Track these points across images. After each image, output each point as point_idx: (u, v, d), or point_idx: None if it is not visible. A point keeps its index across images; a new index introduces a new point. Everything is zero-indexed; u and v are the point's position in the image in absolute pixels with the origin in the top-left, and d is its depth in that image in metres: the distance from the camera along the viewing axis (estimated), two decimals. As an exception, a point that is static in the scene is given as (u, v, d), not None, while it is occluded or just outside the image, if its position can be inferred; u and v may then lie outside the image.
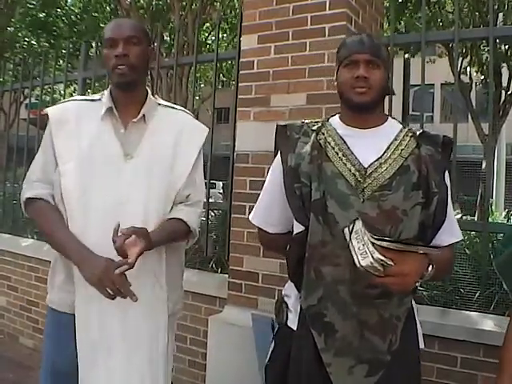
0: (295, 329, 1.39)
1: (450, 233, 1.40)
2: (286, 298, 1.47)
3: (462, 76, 9.76)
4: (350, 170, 1.34)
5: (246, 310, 2.44)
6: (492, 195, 12.55)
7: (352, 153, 1.37)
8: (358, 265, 1.15)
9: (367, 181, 1.33)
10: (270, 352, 1.47)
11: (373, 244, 1.14)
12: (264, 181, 2.48)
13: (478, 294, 2.56)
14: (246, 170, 2.56)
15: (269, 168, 2.49)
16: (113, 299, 1.35)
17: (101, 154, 1.48)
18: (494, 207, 8.73)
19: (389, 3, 4.86)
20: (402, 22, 8.98)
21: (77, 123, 1.52)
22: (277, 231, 1.51)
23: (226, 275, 2.66)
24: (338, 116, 1.47)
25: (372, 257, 1.13)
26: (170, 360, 1.62)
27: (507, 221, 7.14)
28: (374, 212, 1.29)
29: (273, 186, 1.49)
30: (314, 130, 1.43)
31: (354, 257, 1.16)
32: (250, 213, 1.57)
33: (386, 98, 2.46)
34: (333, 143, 1.39)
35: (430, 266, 1.21)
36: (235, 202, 2.58)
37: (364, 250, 1.15)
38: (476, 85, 11.15)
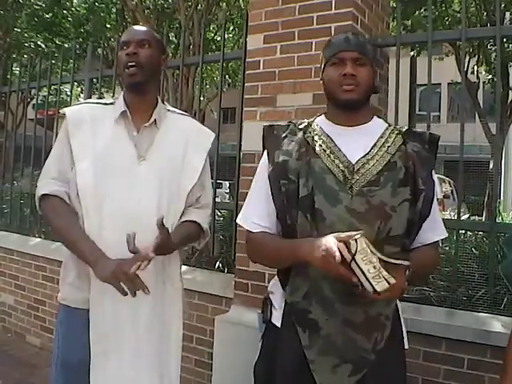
0: (279, 326, 1.39)
1: (434, 231, 1.41)
2: (270, 295, 1.47)
3: (469, 75, 9.72)
4: (339, 167, 1.34)
5: (253, 309, 2.44)
6: (500, 195, 12.49)
7: (339, 150, 1.37)
8: (372, 290, 1.09)
9: (355, 177, 1.32)
10: (259, 349, 1.46)
11: (379, 260, 1.10)
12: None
13: (485, 295, 2.54)
14: (253, 170, 2.54)
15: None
16: (125, 295, 1.39)
17: (116, 155, 1.53)
18: (501, 207, 8.67)
19: (395, 2, 4.85)
20: (409, 21, 8.95)
21: (92, 125, 1.56)
22: (260, 229, 1.42)
23: (233, 275, 2.66)
24: (323, 115, 1.48)
25: (387, 282, 1.09)
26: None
27: (515, 221, 7.08)
28: (362, 207, 1.29)
29: (259, 184, 1.46)
30: (301, 129, 1.44)
31: (365, 282, 1.10)
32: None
33: (393, 98, 2.48)
34: (320, 141, 1.39)
35: (407, 271, 1.25)
36: (242, 201, 2.56)
37: (377, 274, 1.09)
38: (483, 84, 11.10)
